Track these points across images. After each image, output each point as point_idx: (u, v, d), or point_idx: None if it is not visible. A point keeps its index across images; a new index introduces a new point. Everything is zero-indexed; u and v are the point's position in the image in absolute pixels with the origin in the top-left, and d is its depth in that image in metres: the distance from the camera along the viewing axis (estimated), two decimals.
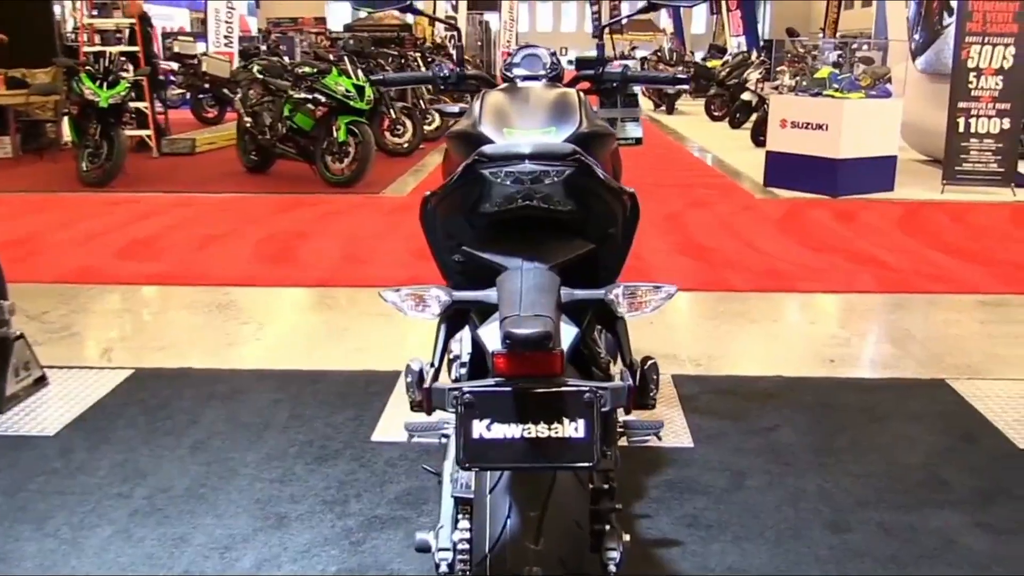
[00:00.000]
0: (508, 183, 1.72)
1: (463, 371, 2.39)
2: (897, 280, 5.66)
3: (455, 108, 3.12)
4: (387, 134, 11.08)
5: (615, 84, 2.66)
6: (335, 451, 3.22)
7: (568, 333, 1.61)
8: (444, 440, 2.43)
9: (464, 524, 1.84)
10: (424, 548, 1.97)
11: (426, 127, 11.99)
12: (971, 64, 8.50)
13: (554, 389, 1.54)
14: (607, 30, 2.95)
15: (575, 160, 1.73)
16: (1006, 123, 8.43)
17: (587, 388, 1.54)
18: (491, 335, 1.62)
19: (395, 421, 3.47)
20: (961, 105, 8.55)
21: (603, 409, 1.55)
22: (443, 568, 1.90)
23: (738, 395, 3.73)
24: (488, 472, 1.67)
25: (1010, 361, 4.23)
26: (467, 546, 1.83)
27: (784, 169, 8.96)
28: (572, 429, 1.53)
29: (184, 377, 3.92)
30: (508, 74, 2.46)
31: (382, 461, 3.15)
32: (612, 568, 1.83)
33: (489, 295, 1.70)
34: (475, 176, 1.74)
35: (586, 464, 1.54)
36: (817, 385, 3.92)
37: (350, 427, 3.42)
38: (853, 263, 6.08)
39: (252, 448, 3.24)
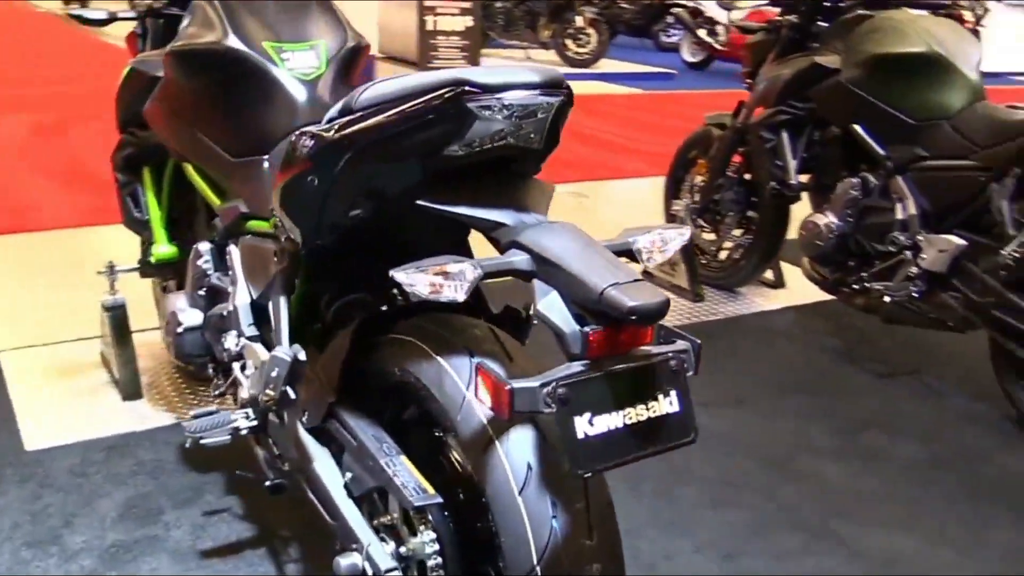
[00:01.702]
0: (499, 119, 1.38)
1: (229, 340, 2.01)
2: None
3: (101, 14, 2.42)
4: None
5: None
6: None
7: None
8: (242, 433, 1.98)
9: (428, 535, 1.53)
10: (356, 575, 1.59)
11: None
12: None
13: (643, 363, 1.31)
14: None
15: (566, 88, 1.45)
16: (469, 21, 9.02)
17: (671, 353, 1.34)
18: (560, 311, 1.31)
19: (39, 418, 2.73)
20: (428, 4, 8.93)
21: (688, 374, 1.36)
22: None
23: None
24: (504, 467, 1.38)
25: None
26: (439, 559, 1.53)
27: None
28: (667, 404, 1.32)
29: None
30: None
31: (65, 473, 2.46)
32: None
33: (516, 262, 1.37)
34: (458, 111, 1.36)
35: (687, 440, 1.35)
36: None
37: None
38: None
39: None
